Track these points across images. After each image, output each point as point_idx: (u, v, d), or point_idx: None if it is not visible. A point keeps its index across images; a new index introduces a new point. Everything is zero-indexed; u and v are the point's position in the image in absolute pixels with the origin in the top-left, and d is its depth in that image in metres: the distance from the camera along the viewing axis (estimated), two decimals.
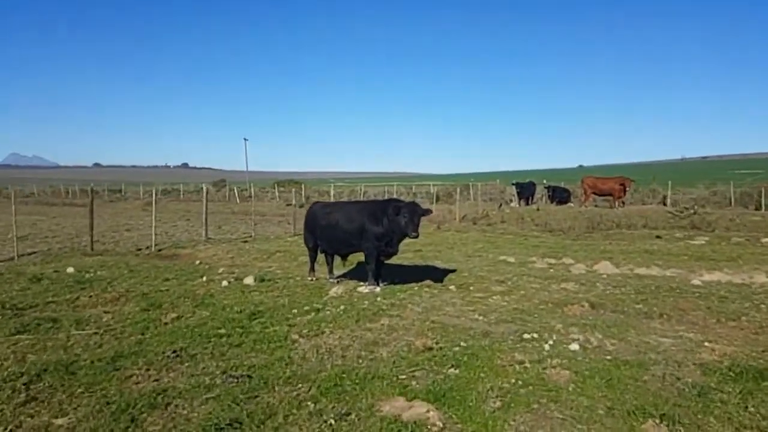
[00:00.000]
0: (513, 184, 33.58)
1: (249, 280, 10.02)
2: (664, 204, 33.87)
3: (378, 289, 9.40)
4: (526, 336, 6.67)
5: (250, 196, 44.98)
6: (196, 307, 8.19)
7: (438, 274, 11.11)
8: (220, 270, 11.85)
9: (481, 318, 7.58)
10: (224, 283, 10.00)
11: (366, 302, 8.44)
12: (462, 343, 6.36)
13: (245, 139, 76.86)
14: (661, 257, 14.07)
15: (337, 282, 10.45)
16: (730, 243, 17.01)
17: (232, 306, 8.21)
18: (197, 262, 13.52)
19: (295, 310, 7.98)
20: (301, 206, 35.08)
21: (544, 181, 35.11)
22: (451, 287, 10.08)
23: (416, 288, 9.78)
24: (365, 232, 9.75)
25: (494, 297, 9.35)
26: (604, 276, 11.36)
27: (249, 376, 5.30)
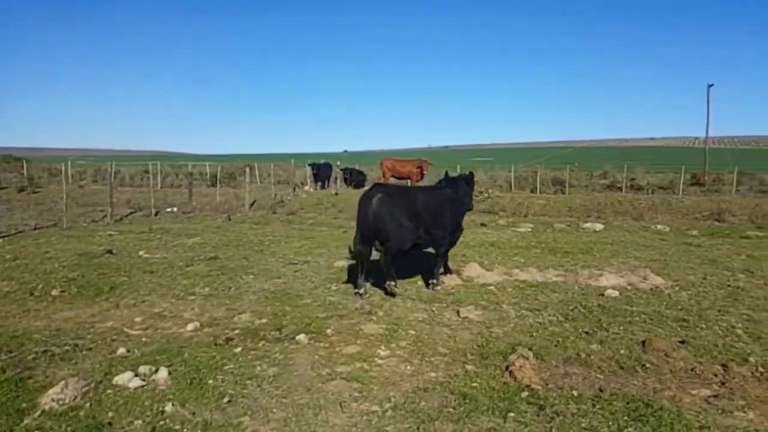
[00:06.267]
0: (309, 165, 29.61)
1: None
2: None
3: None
4: None
5: None
6: None
7: (261, 304, 6.60)
8: None
9: None
10: None
11: None
12: None
13: None
14: (514, 252, 11.57)
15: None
16: (557, 230, 15.74)
17: None
18: None
19: None
20: (21, 191, 26.06)
21: (338, 163, 31.87)
22: (299, 336, 5.68)
23: (238, 350, 5.12)
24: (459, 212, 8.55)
25: (382, 352, 5.29)
26: (492, 287, 8.17)
27: None
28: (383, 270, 7.44)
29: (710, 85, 33.73)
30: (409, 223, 7.43)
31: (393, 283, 7.38)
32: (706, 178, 30.61)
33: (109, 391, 4.18)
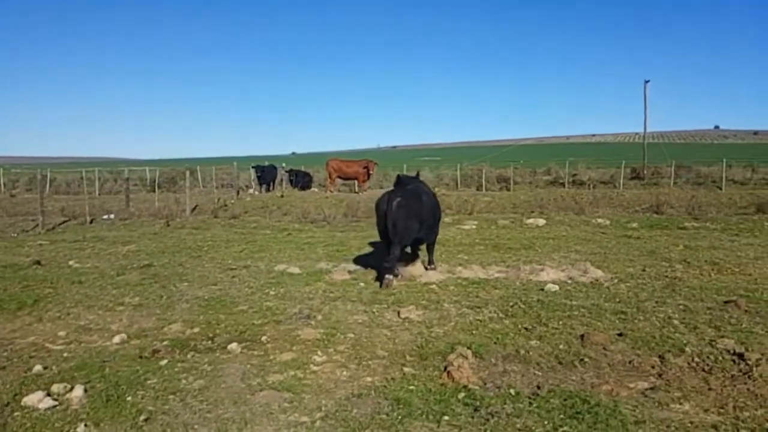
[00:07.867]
0: (253, 167, 29.01)
1: None
2: None
3: None
4: None
5: None
6: None
7: (193, 313, 6.31)
8: None
9: None
10: None
11: None
12: None
13: None
14: (458, 249, 11.57)
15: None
16: (501, 227, 15.82)
17: None
18: None
19: None
20: None
21: (284, 165, 31.40)
22: (232, 345, 5.42)
23: (164, 363, 4.83)
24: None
25: (318, 358, 5.11)
26: (434, 285, 8.10)
27: None
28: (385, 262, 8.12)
29: (647, 81, 34.80)
30: (414, 221, 8.36)
31: (390, 277, 8.04)
32: (645, 171, 31.68)
33: (16, 414, 3.83)
